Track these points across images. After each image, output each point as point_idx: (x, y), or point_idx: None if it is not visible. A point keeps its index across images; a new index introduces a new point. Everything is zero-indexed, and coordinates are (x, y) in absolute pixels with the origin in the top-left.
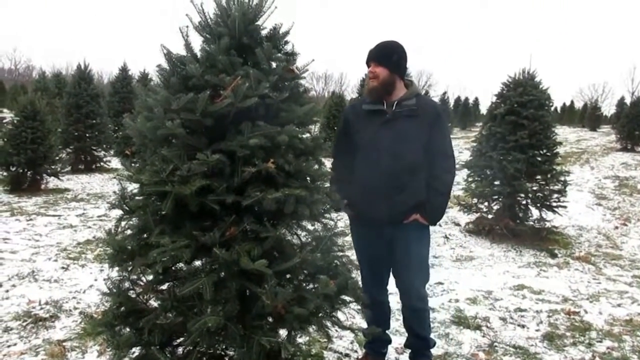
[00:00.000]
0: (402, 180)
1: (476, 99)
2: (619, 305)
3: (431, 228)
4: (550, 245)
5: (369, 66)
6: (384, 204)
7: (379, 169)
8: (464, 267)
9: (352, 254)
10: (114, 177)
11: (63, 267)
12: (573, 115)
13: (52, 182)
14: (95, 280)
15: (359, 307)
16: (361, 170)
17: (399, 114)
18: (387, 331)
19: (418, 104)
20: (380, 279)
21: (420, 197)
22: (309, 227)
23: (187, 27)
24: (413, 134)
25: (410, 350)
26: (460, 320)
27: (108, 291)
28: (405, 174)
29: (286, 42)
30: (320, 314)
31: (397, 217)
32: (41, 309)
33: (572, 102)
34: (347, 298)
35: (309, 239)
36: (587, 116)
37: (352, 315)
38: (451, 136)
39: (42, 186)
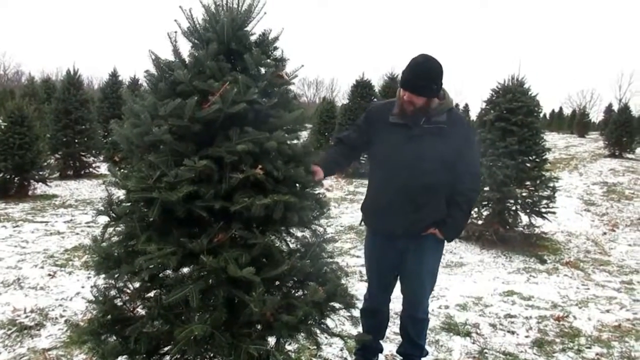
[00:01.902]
0: (421, 199)
1: (466, 105)
2: (607, 311)
3: None
4: (540, 251)
5: (404, 89)
6: (400, 220)
7: (397, 185)
8: (454, 273)
9: (342, 260)
10: (103, 183)
11: (49, 274)
12: (562, 122)
13: (40, 188)
14: (82, 287)
15: (349, 313)
16: (378, 183)
17: (427, 130)
18: (380, 340)
19: (449, 120)
20: (386, 288)
21: (439, 215)
22: (298, 233)
23: (176, 32)
24: (438, 153)
25: (401, 358)
26: (450, 327)
27: (94, 299)
28: (424, 192)
29: (275, 48)
30: (309, 322)
31: (412, 232)
32: (26, 317)
33: (560, 108)
34: (337, 305)
35: (298, 246)
36: (576, 122)
37: (342, 322)
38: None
39: (30, 192)
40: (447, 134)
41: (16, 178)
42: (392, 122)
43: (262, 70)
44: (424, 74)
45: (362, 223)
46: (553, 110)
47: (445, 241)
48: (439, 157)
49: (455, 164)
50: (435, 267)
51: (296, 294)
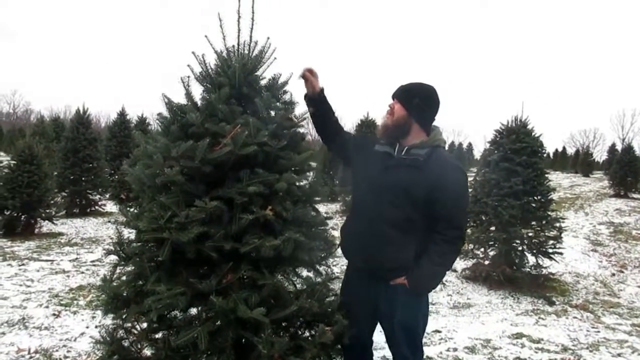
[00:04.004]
0: (387, 234)
1: (470, 144)
2: (619, 355)
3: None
4: (548, 293)
5: (392, 99)
6: (362, 252)
7: (364, 213)
8: (461, 315)
9: None
10: (109, 222)
11: (54, 314)
12: (565, 161)
13: (46, 226)
14: (87, 327)
15: None
16: (352, 209)
17: (402, 161)
18: None
19: (428, 156)
20: (361, 325)
21: (405, 259)
22: (304, 273)
23: (189, 77)
24: (407, 187)
25: None
26: None
27: (101, 339)
28: (391, 228)
29: (285, 92)
30: None
31: (377, 273)
32: (30, 357)
33: (564, 147)
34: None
35: (305, 286)
36: (580, 162)
37: None
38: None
39: (36, 230)
40: (422, 169)
41: (23, 216)
42: (375, 149)
43: (272, 113)
44: (411, 87)
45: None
46: (556, 150)
47: (415, 294)
48: (409, 193)
49: (427, 206)
50: (412, 322)
51: (304, 335)
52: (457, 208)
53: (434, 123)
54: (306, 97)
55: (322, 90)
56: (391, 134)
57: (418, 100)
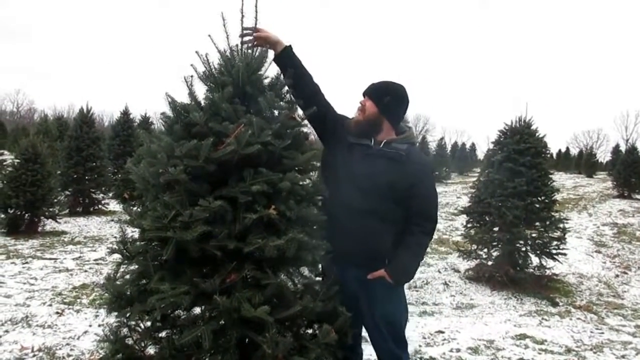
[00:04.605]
0: (365, 223)
1: (473, 144)
2: (623, 356)
3: (432, 274)
4: (551, 294)
5: (363, 97)
6: (343, 241)
7: (345, 203)
8: (464, 315)
9: None
10: (112, 220)
11: (57, 312)
12: (569, 162)
13: (50, 225)
14: (90, 326)
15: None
16: (331, 204)
17: (384, 152)
18: None
19: (407, 152)
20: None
21: (383, 248)
22: (307, 273)
23: (192, 76)
24: (391, 179)
25: None
26: None
27: (104, 337)
28: (369, 216)
29: (288, 91)
30: None
31: (355, 260)
32: (34, 356)
33: (567, 148)
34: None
35: (308, 285)
36: (583, 163)
37: None
38: (446, 188)
39: (39, 229)
40: (404, 164)
41: (27, 214)
42: (350, 140)
43: (276, 112)
44: (382, 85)
45: None
46: (560, 150)
47: (396, 285)
48: (389, 184)
49: (406, 199)
50: (393, 314)
51: (308, 335)
52: (434, 201)
53: (409, 124)
54: (275, 58)
55: (288, 48)
56: (363, 129)
57: (389, 99)
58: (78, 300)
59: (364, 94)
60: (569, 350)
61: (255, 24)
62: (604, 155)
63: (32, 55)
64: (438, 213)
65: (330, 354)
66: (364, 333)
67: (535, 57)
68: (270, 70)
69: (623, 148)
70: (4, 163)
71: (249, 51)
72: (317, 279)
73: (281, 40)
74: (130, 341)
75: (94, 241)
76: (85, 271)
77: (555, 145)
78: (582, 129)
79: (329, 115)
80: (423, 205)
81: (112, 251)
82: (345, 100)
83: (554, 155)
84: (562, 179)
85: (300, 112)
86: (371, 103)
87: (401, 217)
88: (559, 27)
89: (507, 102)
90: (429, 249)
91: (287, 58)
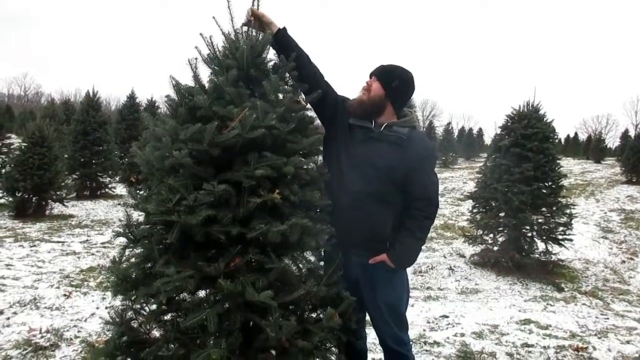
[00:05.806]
0: (367, 206)
1: (480, 130)
2: (628, 342)
3: (437, 259)
4: (557, 279)
5: (370, 77)
6: (345, 225)
7: (346, 186)
8: (469, 300)
9: None
10: (119, 204)
11: (65, 295)
12: (577, 147)
13: (57, 208)
14: (97, 308)
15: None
16: (332, 186)
17: (385, 136)
18: None
19: (409, 136)
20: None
21: (384, 232)
22: (311, 257)
23: (196, 59)
24: (392, 164)
25: None
26: (466, 355)
27: (111, 320)
28: (371, 200)
29: (292, 75)
30: (324, 347)
31: (356, 242)
32: (42, 337)
33: (575, 133)
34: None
35: (312, 269)
36: (592, 148)
37: None
38: (452, 173)
39: (47, 212)
40: (406, 148)
41: (34, 198)
42: (352, 124)
43: (280, 96)
44: (392, 69)
45: None
46: (568, 136)
47: (399, 269)
48: (391, 167)
49: (407, 183)
50: (394, 298)
51: (311, 319)
52: (435, 185)
53: (415, 109)
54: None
55: (283, 29)
56: (366, 109)
57: (397, 83)
58: (85, 282)
59: (372, 75)
60: (573, 336)
61: (258, 3)
62: (612, 141)
63: (39, 40)
64: (442, 198)
65: (333, 337)
66: (368, 317)
67: (544, 42)
68: (272, 53)
69: (632, 133)
70: (12, 147)
71: (254, 33)
72: (321, 263)
73: (274, 21)
74: (135, 324)
75: (101, 224)
76: (93, 254)
77: (563, 130)
78: (591, 114)
79: (329, 95)
80: (424, 189)
81: (118, 234)
82: (351, 89)
83: (562, 141)
84: (569, 165)
85: (303, 95)
86: (378, 85)
87: (402, 201)
88: (569, 11)
89: (515, 87)
90: (434, 234)
91: (283, 39)
